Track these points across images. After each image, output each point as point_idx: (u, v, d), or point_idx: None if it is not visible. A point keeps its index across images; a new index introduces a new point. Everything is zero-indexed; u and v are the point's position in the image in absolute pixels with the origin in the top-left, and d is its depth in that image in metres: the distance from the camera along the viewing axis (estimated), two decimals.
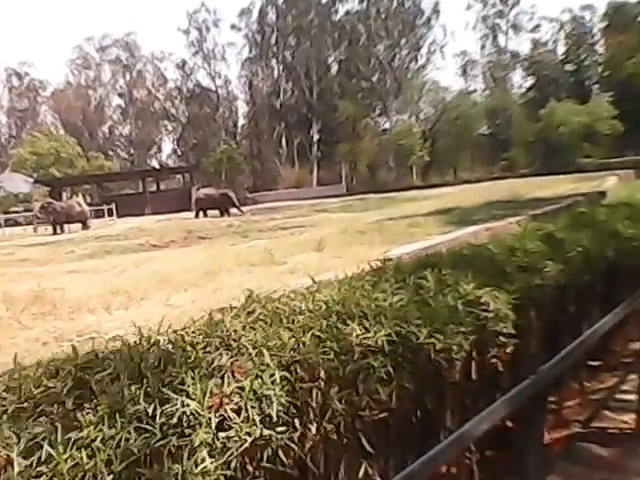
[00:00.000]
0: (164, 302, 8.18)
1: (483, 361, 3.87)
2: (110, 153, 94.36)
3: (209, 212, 38.93)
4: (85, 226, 36.02)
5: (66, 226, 36.11)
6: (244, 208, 40.12)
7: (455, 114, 71.32)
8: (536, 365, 3.43)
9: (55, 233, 34.21)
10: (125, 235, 26.16)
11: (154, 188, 65.23)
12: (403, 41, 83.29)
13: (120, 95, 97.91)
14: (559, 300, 5.09)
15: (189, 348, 2.76)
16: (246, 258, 11.69)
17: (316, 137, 79.60)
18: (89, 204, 53.25)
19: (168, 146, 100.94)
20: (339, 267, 7.04)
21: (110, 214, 45.60)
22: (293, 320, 3.16)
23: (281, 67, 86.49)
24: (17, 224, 42.54)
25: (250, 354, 2.73)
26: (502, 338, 3.91)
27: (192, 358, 2.64)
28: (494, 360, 3.93)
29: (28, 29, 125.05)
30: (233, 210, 38.42)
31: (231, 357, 2.67)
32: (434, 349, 3.33)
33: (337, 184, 66.09)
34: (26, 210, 43.53)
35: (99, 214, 45.48)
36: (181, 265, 12.23)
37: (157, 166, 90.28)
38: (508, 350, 3.97)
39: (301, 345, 2.87)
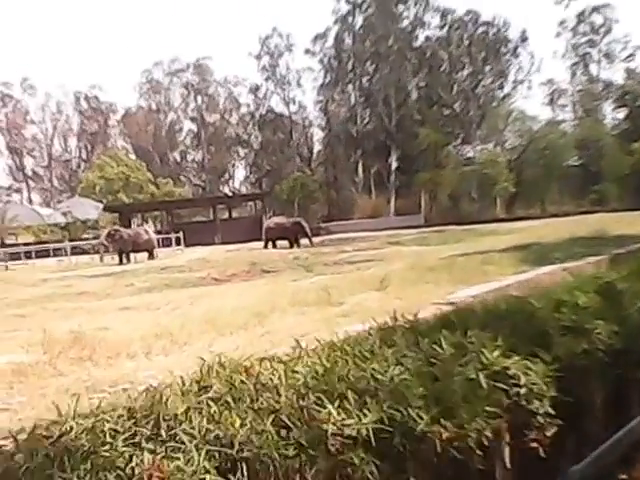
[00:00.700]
0: (207, 348, 7.88)
1: (518, 446, 3.35)
2: (181, 179, 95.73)
3: (280, 242, 38.61)
4: (151, 255, 36.26)
5: (133, 255, 36.05)
6: (317, 239, 39.93)
7: (543, 144, 69.23)
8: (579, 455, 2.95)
9: (121, 263, 34.24)
10: (189, 267, 26.11)
11: (226, 216, 65.54)
12: (487, 68, 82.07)
13: (192, 119, 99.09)
14: (612, 370, 4.39)
15: (108, 439, 2.25)
16: (303, 297, 11.29)
17: (394, 165, 78.60)
18: (158, 232, 54.08)
19: (240, 172, 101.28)
20: (399, 309, 6.55)
21: (178, 243, 45.49)
22: (257, 398, 2.66)
23: (358, 93, 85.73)
24: (84, 252, 42.87)
25: (184, 449, 2.21)
26: (540, 419, 3.37)
27: (102, 455, 2.14)
28: (533, 444, 3.34)
29: (98, 53, 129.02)
30: (304, 241, 38.06)
31: (156, 454, 2.15)
32: (440, 438, 2.76)
33: (415, 214, 65.19)
34: (94, 237, 43.88)
35: (167, 242, 45.58)
36: (236, 302, 11.83)
37: (229, 193, 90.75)
38: (549, 433, 3.40)
39: (256, 436, 2.34)
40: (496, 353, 3.40)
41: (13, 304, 15.84)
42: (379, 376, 2.93)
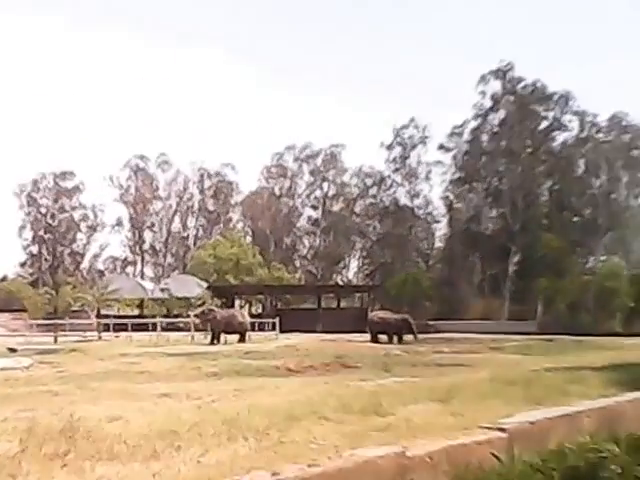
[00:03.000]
0: (201, 455, 6.77)
1: None
2: (297, 264, 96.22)
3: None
4: (243, 338, 35.71)
5: (225, 336, 35.87)
6: (421, 336, 38.76)
7: None
8: None
9: (212, 343, 33.88)
10: (274, 353, 25.76)
11: (334, 305, 65.17)
12: (624, 175, 79.60)
13: (314, 207, 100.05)
14: None
15: None
16: (351, 401, 10.10)
17: (512, 269, 76.39)
18: (258, 315, 54.23)
19: (354, 263, 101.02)
20: (450, 429, 6.54)
21: (273, 328, 44.74)
22: None
23: (486, 192, 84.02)
24: (179, 329, 42.99)
25: None
26: None
27: None
28: None
29: (232, 133, 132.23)
30: (409, 337, 37.31)
31: None
32: None
33: (529, 320, 63.42)
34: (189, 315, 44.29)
35: (265, 326, 45.58)
36: (279, 400, 10.89)
37: (340, 282, 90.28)
38: None
39: None
40: None
41: (61, 378, 15.93)
42: None
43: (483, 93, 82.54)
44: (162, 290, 62.13)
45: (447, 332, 51.02)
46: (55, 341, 37.52)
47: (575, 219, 79.10)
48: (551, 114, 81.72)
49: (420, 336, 38.36)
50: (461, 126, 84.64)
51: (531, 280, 68.85)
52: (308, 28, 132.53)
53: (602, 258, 76.92)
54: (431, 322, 59.57)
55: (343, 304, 70.61)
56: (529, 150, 79.93)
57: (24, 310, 50.25)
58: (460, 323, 61.68)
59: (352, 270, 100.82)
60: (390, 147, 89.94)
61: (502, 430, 6.40)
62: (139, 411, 9.92)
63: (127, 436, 7.60)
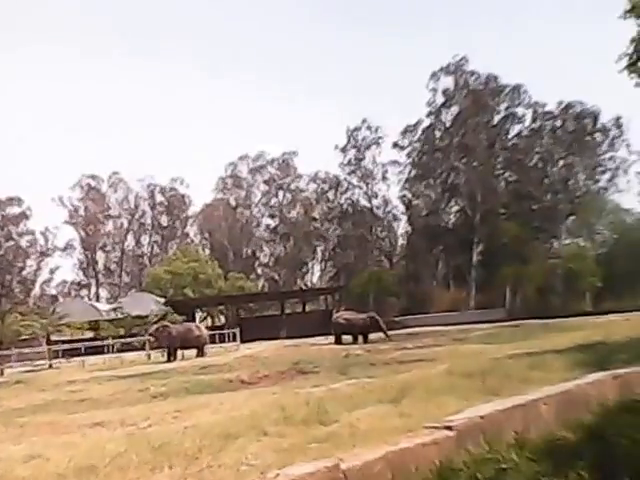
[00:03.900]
0: None
1: None
2: (259, 273, 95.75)
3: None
4: (201, 352, 35.02)
5: (182, 351, 35.46)
6: (389, 332, 38.37)
7: (636, 236, 66.56)
8: None
9: (169, 360, 33.26)
10: (231, 365, 25.30)
11: (299, 310, 66.31)
12: (580, 161, 79.71)
13: (271, 216, 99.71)
14: None
15: None
16: (295, 412, 9.45)
17: (476, 258, 76.68)
18: (219, 326, 53.72)
19: (317, 267, 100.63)
20: (397, 432, 6.23)
21: (234, 338, 44.28)
22: None
23: (443, 187, 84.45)
24: (135, 349, 41.89)
25: None
26: None
27: None
28: None
29: (181, 147, 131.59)
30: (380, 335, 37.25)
31: None
32: None
33: (497, 308, 63.67)
34: (143, 334, 43.53)
35: (224, 338, 45.11)
36: (220, 418, 10.40)
37: (304, 287, 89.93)
38: None
39: None
40: None
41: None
42: None
43: (434, 90, 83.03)
44: (114, 310, 60.66)
45: (414, 327, 51.02)
46: (1, 373, 36.27)
47: (535, 207, 79.10)
48: (503, 107, 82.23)
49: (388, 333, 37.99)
50: (415, 125, 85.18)
51: (496, 268, 69.32)
52: (260, 33, 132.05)
53: (566, 242, 77.68)
54: (397, 318, 59.37)
55: (309, 308, 70.12)
56: (484, 144, 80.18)
57: None
58: (427, 317, 61.72)
59: (316, 274, 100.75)
60: (344, 149, 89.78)
61: (449, 428, 5.92)
62: (62, 446, 9.44)
63: (41, 477, 7.17)
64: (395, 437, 5.92)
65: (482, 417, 6.28)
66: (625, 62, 21.90)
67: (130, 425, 11.27)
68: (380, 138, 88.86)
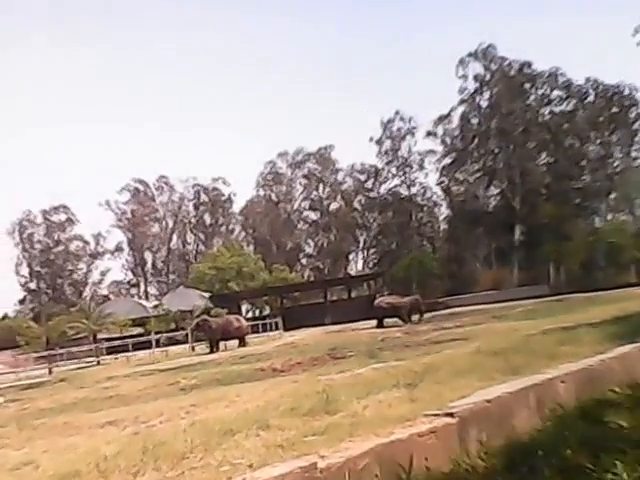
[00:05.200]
0: None
1: None
2: (303, 263, 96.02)
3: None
4: (242, 342, 35.48)
5: (225, 343, 35.84)
6: (432, 314, 38.97)
7: None
8: None
9: (212, 351, 33.42)
10: (269, 354, 24.78)
11: (344, 296, 66.73)
12: (616, 139, 79.01)
13: (312, 208, 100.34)
14: None
15: None
16: (306, 401, 8.67)
17: (518, 239, 76.35)
18: (264, 317, 53.94)
19: (360, 255, 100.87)
20: (401, 419, 5.50)
21: (277, 327, 45.03)
22: None
23: (481, 172, 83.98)
24: (180, 342, 42.24)
25: None
26: None
27: None
28: None
29: (222, 146, 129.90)
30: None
31: None
32: None
33: (541, 285, 62.96)
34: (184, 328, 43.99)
35: (267, 327, 45.75)
36: (232, 410, 9.61)
37: (347, 275, 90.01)
38: None
39: None
40: None
41: (13, 417, 14.89)
42: None
43: (464, 77, 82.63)
44: (155, 307, 61.56)
45: (457, 307, 50.58)
46: (50, 372, 36.42)
47: (574, 185, 78.02)
48: (540, 92, 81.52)
49: (429, 314, 38.03)
50: (448, 113, 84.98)
51: (538, 247, 68.76)
52: (292, 30, 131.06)
53: (608, 217, 77.59)
54: (441, 299, 58.87)
55: (354, 295, 70.01)
56: (520, 127, 79.41)
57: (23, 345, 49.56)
58: (470, 296, 61.15)
59: (360, 262, 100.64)
60: (380, 141, 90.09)
61: (450, 415, 5.19)
62: (62, 450, 8.86)
63: None
64: (395, 425, 5.28)
65: (489, 401, 5.42)
66: None
67: (142, 423, 10.70)
68: (414, 128, 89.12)
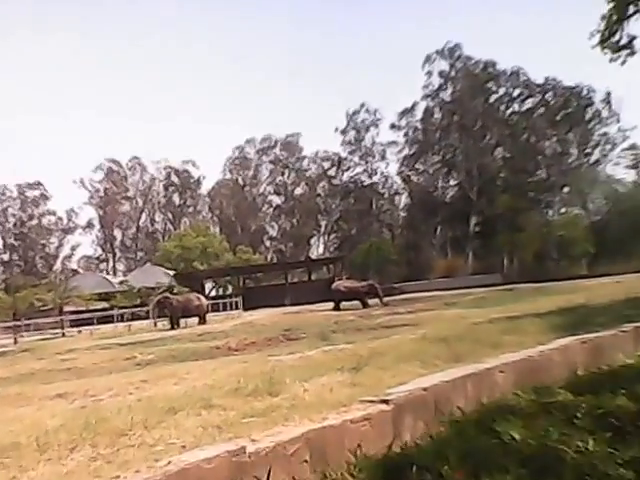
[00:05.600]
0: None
1: None
2: (267, 245, 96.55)
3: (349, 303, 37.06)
4: (202, 320, 35.00)
5: (185, 320, 35.43)
6: (387, 298, 37.92)
7: (628, 205, 66.11)
8: None
9: (172, 328, 33.05)
10: (227, 332, 24.27)
11: (305, 279, 67.65)
12: (572, 136, 79.80)
13: (277, 193, 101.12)
14: None
15: None
16: (251, 382, 8.45)
17: (473, 229, 77.31)
18: (225, 296, 53.78)
19: (321, 239, 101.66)
20: (340, 404, 5.48)
21: (236, 307, 44.57)
22: None
23: (440, 164, 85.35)
24: (143, 318, 41.44)
25: None
26: None
27: None
28: None
29: (193, 130, 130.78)
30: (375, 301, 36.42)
31: None
32: None
33: (493, 274, 63.14)
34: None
35: (227, 306, 45.29)
36: (179, 388, 9.38)
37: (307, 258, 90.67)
38: None
39: None
40: None
41: None
42: None
43: (429, 73, 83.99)
44: (121, 283, 61.31)
45: (413, 293, 50.21)
46: (15, 342, 35.93)
47: (529, 179, 79.20)
48: (502, 90, 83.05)
49: (385, 299, 37.27)
50: (412, 107, 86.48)
51: (492, 237, 70.05)
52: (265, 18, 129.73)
53: (562, 211, 78.23)
54: (396, 285, 58.65)
55: (314, 277, 70.27)
56: (480, 123, 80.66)
57: None
58: (425, 283, 61.26)
59: (321, 246, 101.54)
60: (344, 131, 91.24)
61: (385, 402, 5.04)
62: (8, 421, 8.47)
63: None
64: (331, 410, 5.24)
65: (425, 389, 5.23)
66: (598, 39, 21.55)
67: (91, 397, 10.28)
68: (378, 120, 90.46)
